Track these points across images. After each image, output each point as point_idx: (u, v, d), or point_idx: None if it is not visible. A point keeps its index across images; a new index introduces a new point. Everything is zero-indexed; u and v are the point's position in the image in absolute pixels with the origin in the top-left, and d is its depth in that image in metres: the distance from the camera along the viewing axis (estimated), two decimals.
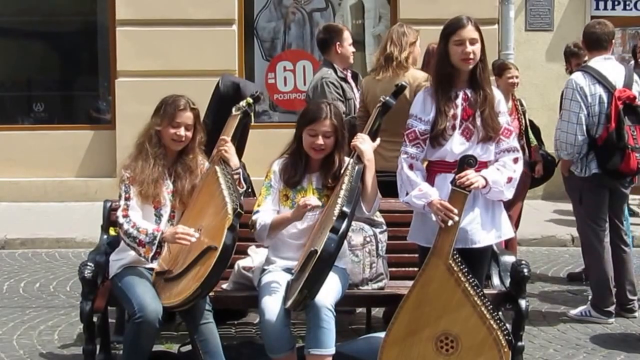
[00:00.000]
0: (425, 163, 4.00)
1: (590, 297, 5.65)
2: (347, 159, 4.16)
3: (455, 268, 3.77)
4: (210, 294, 3.99)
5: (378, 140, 4.19)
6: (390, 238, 4.52)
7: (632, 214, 7.97)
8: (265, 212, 4.07)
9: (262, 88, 10.21)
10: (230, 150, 4.17)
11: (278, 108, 10.46)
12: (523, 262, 4.23)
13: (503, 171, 3.91)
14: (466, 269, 3.78)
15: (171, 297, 3.89)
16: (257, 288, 4.10)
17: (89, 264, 4.17)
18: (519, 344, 4.12)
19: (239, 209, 3.87)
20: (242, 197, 4.08)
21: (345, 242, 4.19)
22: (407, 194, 3.92)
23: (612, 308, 5.49)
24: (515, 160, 3.97)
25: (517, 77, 6.39)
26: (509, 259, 4.38)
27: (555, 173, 6.39)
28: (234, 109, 4.34)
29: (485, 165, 3.91)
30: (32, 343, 5.06)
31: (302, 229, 4.05)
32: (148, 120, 4.24)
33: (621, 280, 5.57)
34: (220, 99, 5.19)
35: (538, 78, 10.26)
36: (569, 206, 5.90)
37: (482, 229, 3.94)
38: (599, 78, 5.34)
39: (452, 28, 3.93)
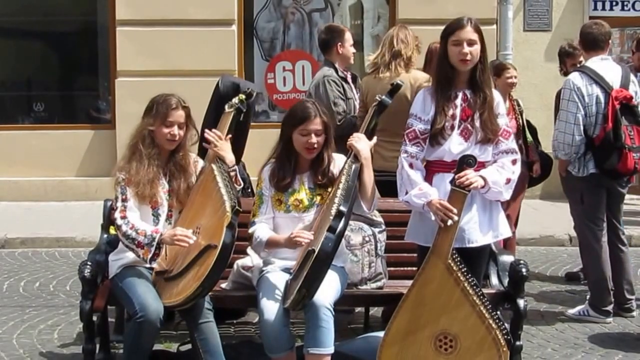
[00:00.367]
0: (424, 163, 4.01)
1: (588, 297, 5.66)
2: (341, 157, 4.17)
3: (454, 268, 3.78)
4: (210, 293, 3.99)
5: (375, 139, 4.20)
6: (389, 237, 4.53)
7: None
8: (262, 225, 4.08)
9: (262, 88, 10.24)
10: (223, 147, 4.16)
11: (277, 108, 10.48)
12: (521, 261, 4.24)
13: (502, 172, 3.92)
14: (465, 269, 3.79)
15: (172, 297, 3.89)
16: (256, 288, 4.10)
17: (88, 263, 4.18)
18: (518, 343, 4.13)
19: (237, 207, 3.87)
20: (239, 194, 4.08)
21: (344, 241, 4.21)
22: (406, 192, 3.93)
23: (610, 307, 5.50)
24: (514, 162, 3.98)
25: (515, 77, 6.40)
26: (507, 258, 4.40)
27: (552, 173, 6.41)
28: (226, 106, 4.34)
29: (482, 165, 3.92)
30: (32, 342, 5.06)
31: (300, 229, 4.03)
32: (144, 118, 4.23)
33: (619, 280, 5.58)
34: (220, 99, 5.20)
35: (537, 78, 10.28)
36: (567, 206, 5.91)
37: (479, 229, 3.95)
38: (596, 78, 5.36)
39: (451, 29, 3.95)
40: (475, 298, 3.78)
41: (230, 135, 4.27)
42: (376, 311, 5.36)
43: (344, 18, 10.54)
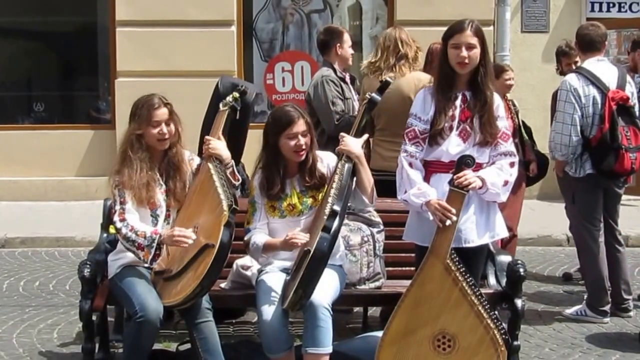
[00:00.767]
0: (422, 163, 4.03)
1: (585, 297, 5.68)
2: (329, 155, 4.19)
3: (452, 267, 3.79)
4: (209, 292, 4.00)
5: (365, 135, 4.21)
6: (387, 238, 4.55)
7: None
8: (257, 231, 4.08)
9: (261, 89, 10.25)
10: (216, 145, 4.14)
11: None
12: (519, 261, 4.25)
13: (500, 174, 3.94)
14: (463, 269, 3.80)
15: (171, 296, 3.90)
16: (255, 288, 4.11)
17: (88, 263, 4.18)
18: (515, 343, 4.13)
19: (234, 206, 3.88)
20: (237, 190, 4.09)
21: (341, 240, 4.23)
22: (405, 192, 3.94)
23: (607, 307, 5.52)
24: (512, 165, 3.99)
25: (512, 79, 6.44)
26: (505, 258, 4.40)
27: (549, 173, 6.42)
28: (221, 105, 4.33)
29: (480, 166, 3.94)
30: (31, 341, 5.07)
31: (295, 231, 4.03)
32: (130, 123, 4.23)
33: (616, 280, 5.59)
34: (219, 99, 5.20)
35: (534, 79, 10.30)
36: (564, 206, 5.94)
37: (476, 229, 3.96)
38: (592, 79, 5.37)
39: (451, 31, 3.97)
40: (473, 298, 3.79)
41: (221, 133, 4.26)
42: (375, 311, 5.37)
43: (342, 19, 10.57)
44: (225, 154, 4.15)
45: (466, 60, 3.91)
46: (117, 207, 4.07)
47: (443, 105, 3.94)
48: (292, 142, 4.05)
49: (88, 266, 4.15)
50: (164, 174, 4.17)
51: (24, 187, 10.09)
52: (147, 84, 9.29)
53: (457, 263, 3.80)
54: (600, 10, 10.82)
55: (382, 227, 4.55)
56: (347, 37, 5.74)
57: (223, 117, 4.28)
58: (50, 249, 7.93)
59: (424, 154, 3.99)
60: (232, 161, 4.18)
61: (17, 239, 8.11)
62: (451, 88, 3.98)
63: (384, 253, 4.53)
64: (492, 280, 4.42)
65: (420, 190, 3.89)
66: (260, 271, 4.17)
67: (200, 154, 4.40)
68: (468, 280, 3.80)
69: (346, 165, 3.97)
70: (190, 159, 4.26)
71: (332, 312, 3.85)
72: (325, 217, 3.77)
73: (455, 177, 3.80)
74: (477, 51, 3.93)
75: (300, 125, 4.06)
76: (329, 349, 3.83)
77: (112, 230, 4.48)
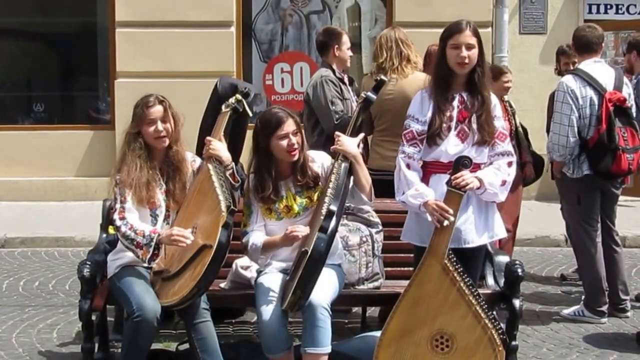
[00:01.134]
0: (420, 163, 4.04)
1: (583, 297, 5.70)
2: (321, 154, 4.20)
3: (450, 268, 3.80)
4: (208, 292, 4.01)
5: (362, 134, 4.22)
6: (386, 238, 4.56)
7: None
8: (255, 233, 4.08)
9: (260, 89, 10.27)
10: (217, 146, 4.14)
11: None
12: (517, 262, 4.25)
13: (498, 174, 3.96)
14: (461, 269, 3.81)
15: (168, 296, 3.91)
16: (254, 288, 4.12)
17: (87, 263, 4.19)
18: (513, 343, 4.14)
19: (232, 207, 3.88)
20: (237, 192, 4.09)
21: (339, 239, 4.24)
22: (403, 193, 3.96)
23: (604, 308, 5.53)
24: (509, 164, 4.01)
25: (511, 81, 6.47)
26: (503, 259, 4.42)
27: (545, 174, 6.44)
28: (223, 106, 4.33)
29: (478, 167, 3.96)
30: (31, 341, 5.08)
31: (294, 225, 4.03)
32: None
33: (613, 280, 5.61)
34: (218, 100, 5.20)
35: (532, 80, 10.32)
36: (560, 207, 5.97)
37: (475, 229, 3.98)
38: (589, 81, 5.39)
39: (450, 32, 3.98)
40: (471, 298, 3.80)
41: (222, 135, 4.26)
42: (373, 311, 5.38)
43: (341, 20, 10.59)
44: (226, 155, 4.15)
45: (466, 60, 3.93)
46: (117, 205, 4.08)
47: (441, 106, 3.96)
48: (284, 143, 4.05)
49: (87, 266, 4.16)
50: (164, 174, 4.18)
51: (23, 187, 10.10)
52: (146, 85, 9.30)
53: (454, 263, 3.81)
54: (598, 11, 10.85)
55: (380, 227, 4.56)
56: (345, 39, 5.75)
57: (225, 119, 4.27)
58: (50, 249, 7.95)
59: (422, 154, 4.00)
60: (233, 163, 4.18)
61: (17, 239, 8.13)
62: (449, 89, 3.99)
63: (383, 253, 4.55)
64: (490, 280, 4.43)
65: (417, 191, 3.90)
66: (259, 272, 4.18)
67: (199, 154, 4.40)
68: (466, 280, 3.81)
69: (342, 165, 3.98)
70: (193, 160, 4.26)
71: (331, 312, 3.86)
72: (322, 218, 3.77)
73: (452, 177, 3.82)
74: (476, 51, 3.96)
75: (290, 125, 4.06)
76: (327, 348, 3.84)
77: (111, 230, 4.49)
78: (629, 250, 7.57)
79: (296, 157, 4.09)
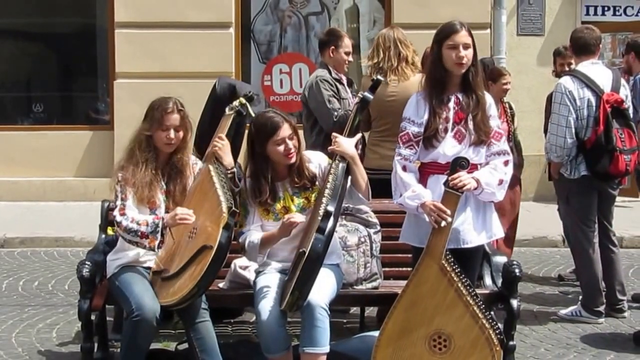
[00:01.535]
0: (418, 164, 4.04)
1: (580, 298, 5.71)
2: (317, 155, 4.21)
3: (448, 268, 3.81)
4: (207, 292, 4.02)
5: (359, 134, 4.23)
6: (384, 238, 4.57)
7: None
8: (251, 231, 4.09)
9: (258, 90, 10.28)
10: (224, 148, 4.17)
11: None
12: (514, 262, 4.27)
13: (494, 173, 3.97)
14: (459, 269, 3.82)
15: (168, 296, 3.92)
16: (253, 288, 4.12)
17: (87, 262, 4.20)
18: (511, 343, 4.16)
19: (233, 208, 3.89)
20: (237, 196, 4.09)
21: (337, 239, 4.24)
22: (400, 195, 3.97)
23: (602, 308, 5.54)
24: (506, 163, 4.02)
25: (509, 83, 6.51)
26: (500, 259, 4.42)
27: (544, 175, 6.46)
28: (227, 109, 4.35)
29: (476, 167, 3.97)
30: (30, 341, 5.09)
31: (293, 232, 4.04)
32: (142, 122, 4.26)
33: (610, 281, 5.63)
34: (216, 100, 5.22)
35: (530, 82, 10.34)
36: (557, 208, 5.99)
37: (473, 230, 3.99)
38: (587, 82, 5.40)
39: (446, 33, 3.99)
40: (469, 298, 3.81)
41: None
42: (372, 311, 5.38)
43: (340, 21, 10.61)
44: (228, 159, 4.17)
45: (464, 60, 3.94)
46: (118, 202, 4.09)
47: (437, 108, 3.96)
48: (281, 147, 4.05)
49: (87, 266, 4.17)
50: (165, 175, 4.19)
51: (23, 187, 10.12)
52: (145, 85, 9.38)
53: (452, 264, 3.82)
54: (595, 13, 10.88)
55: (379, 227, 4.57)
56: (346, 43, 5.71)
57: (228, 121, 4.30)
58: (49, 249, 7.96)
59: (420, 156, 4.00)
60: (235, 168, 4.19)
61: (17, 239, 8.14)
62: (444, 90, 4.00)
63: (381, 254, 4.56)
64: (488, 280, 4.44)
65: (414, 193, 3.91)
66: (258, 272, 4.19)
67: (196, 153, 4.42)
68: (463, 280, 3.82)
69: (340, 165, 3.98)
70: (194, 163, 4.28)
71: (329, 312, 3.87)
72: (320, 218, 3.78)
73: (450, 178, 3.83)
74: (471, 51, 3.97)
75: (285, 130, 4.05)
76: (326, 348, 3.85)
77: (110, 231, 4.51)
78: (626, 251, 7.59)
79: (293, 160, 4.10)
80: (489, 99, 4.09)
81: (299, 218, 3.92)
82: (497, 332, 3.84)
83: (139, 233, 3.98)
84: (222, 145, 4.17)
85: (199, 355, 3.99)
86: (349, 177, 4.04)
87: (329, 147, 4.07)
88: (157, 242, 3.97)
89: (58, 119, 10.93)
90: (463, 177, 3.83)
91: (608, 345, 5.07)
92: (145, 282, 4.02)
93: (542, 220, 8.77)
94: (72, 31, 11.26)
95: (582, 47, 5.58)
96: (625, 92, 5.56)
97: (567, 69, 6.26)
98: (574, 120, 5.40)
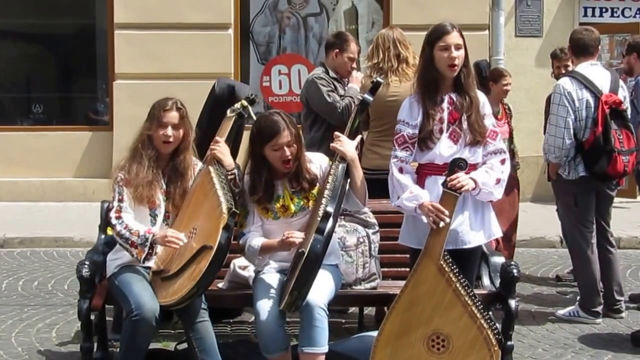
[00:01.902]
0: (416, 165, 4.05)
1: (578, 298, 5.73)
2: (319, 156, 4.21)
3: (446, 269, 3.81)
4: (206, 292, 4.02)
5: (359, 137, 4.24)
6: (382, 239, 4.58)
7: None
8: (252, 234, 4.08)
9: (257, 91, 10.29)
10: (223, 150, 4.17)
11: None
12: (512, 263, 4.28)
13: (491, 173, 3.97)
14: (457, 270, 3.83)
15: (167, 296, 3.93)
16: (252, 288, 4.13)
17: (86, 262, 4.21)
18: (509, 343, 4.16)
19: (233, 209, 3.90)
20: (237, 197, 4.09)
21: (336, 239, 4.25)
22: (398, 198, 3.96)
23: (599, 308, 5.56)
24: (502, 162, 4.03)
25: (510, 84, 6.53)
26: (498, 259, 4.43)
27: (542, 175, 6.47)
28: (228, 111, 4.34)
29: (474, 167, 3.98)
30: (30, 340, 5.10)
31: (291, 231, 4.02)
32: (144, 122, 4.27)
33: (608, 282, 5.64)
34: (215, 101, 5.23)
35: (528, 83, 10.35)
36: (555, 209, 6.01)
37: (471, 230, 3.99)
38: (585, 83, 5.41)
39: (437, 34, 3.99)
40: (467, 299, 3.82)
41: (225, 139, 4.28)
42: (370, 311, 5.39)
43: (338, 23, 10.63)
44: (229, 160, 4.16)
45: (457, 61, 3.94)
46: (115, 203, 4.11)
47: (431, 110, 3.96)
48: (277, 154, 4.04)
49: (86, 266, 4.18)
50: (165, 176, 4.20)
51: (22, 187, 10.13)
52: (144, 86, 9.40)
53: (450, 264, 3.83)
54: (593, 15, 10.90)
55: (377, 228, 4.58)
56: (352, 49, 5.67)
57: (229, 124, 4.30)
58: (49, 249, 7.97)
59: (417, 157, 4.01)
60: (235, 170, 4.16)
61: (16, 239, 8.15)
62: (437, 91, 4.00)
63: (380, 254, 4.57)
64: (486, 281, 4.45)
65: (412, 194, 3.91)
66: (257, 272, 4.19)
67: (194, 153, 4.41)
68: (461, 281, 3.83)
69: (340, 166, 3.98)
70: (195, 164, 4.28)
71: (328, 312, 3.87)
72: (319, 219, 3.78)
73: (448, 179, 3.84)
74: (463, 51, 3.97)
75: (284, 137, 4.02)
76: (324, 348, 3.85)
77: (109, 232, 4.51)
78: (624, 252, 7.59)
79: (289, 168, 4.08)
80: (482, 98, 4.09)
81: (298, 239, 3.89)
82: (495, 332, 3.85)
83: (130, 242, 4.00)
84: (220, 147, 4.17)
85: (198, 355, 4.00)
86: (348, 180, 4.03)
87: (331, 145, 4.05)
88: (144, 255, 3.99)
89: (57, 120, 10.95)
90: (461, 178, 3.83)
91: (605, 346, 5.08)
92: (144, 282, 4.03)
93: (540, 221, 8.78)
94: (71, 32, 11.27)
95: (581, 48, 5.59)
96: (623, 94, 5.57)
97: (563, 71, 6.27)
98: (573, 121, 5.41)
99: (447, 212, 3.81)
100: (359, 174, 4.06)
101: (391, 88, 5.24)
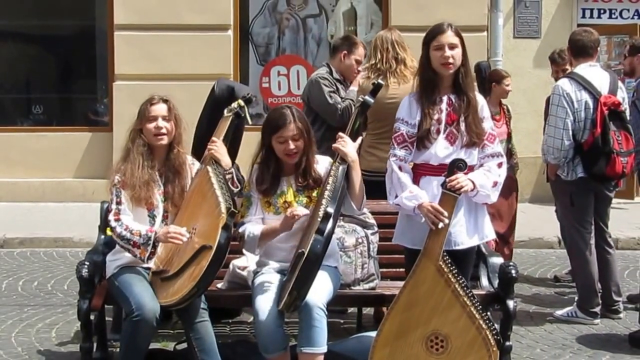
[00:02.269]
0: (411, 165, 4.05)
1: (576, 298, 5.74)
2: (326, 159, 4.22)
3: (445, 269, 3.82)
4: (205, 292, 4.03)
5: (359, 139, 4.25)
6: (381, 239, 4.59)
7: None
8: (252, 222, 4.10)
9: (257, 92, 10.29)
10: (220, 150, 4.17)
11: None
12: (511, 263, 4.29)
13: (489, 176, 3.98)
14: (456, 270, 3.83)
15: (167, 296, 3.94)
16: (251, 288, 4.14)
17: (86, 263, 4.22)
18: (507, 343, 4.16)
19: (232, 208, 3.90)
20: (236, 197, 4.08)
21: (335, 241, 4.25)
22: (396, 196, 3.98)
23: (597, 309, 5.57)
24: (500, 165, 4.04)
25: (510, 84, 6.56)
26: (497, 260, 4.44)
27: (540, 176, 6.48)
28: (225, 111, 4.35)
29: (471, 169, 3.98)
30: (30, 340, 5.11)
31: (291, 232, 4.05)
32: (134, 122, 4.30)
33: (606, 282, 5.65)
34: (215, 101, 5.24)
35: (526, 84, 10.37)
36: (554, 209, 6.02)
37: (465, 231, 4.00)
38: (584, 84, 5.42)
39: (432, 34, 4.01)
40: (465, 299, 3.82)
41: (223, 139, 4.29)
42: (369, 311, 5.40)
43: (337, 24, 10.64)
44: (226, 160, 4.17)
45: (450, 60, 3.95)
46: (113, 206, 4.11)
47: (428, 109, 3.98)
48: (282, 146, 4.09)
49: (86, 266, 4.18)
50: (162, 175, 4.21)
51: (22, 188, 10.13)
52: (144, 87, 9.35)
53: (449, 265, 3.83)
54: (591, 16, 10.91)
55: (376, 228, 4.59)
56: (359, 52, 5.69)
57: (226, 123, 4.30)
58: (49, 250, 7.98)
59: (413, 157, 4.02)
60: (232, 169, 4.19)
61: (16, 240, 8.16)
62: (434, 91, 4.01)
63: (378, 254, 4.58)
64: (484, 281, 4.46)
65: (412, 193, 3.92)
66: (256, 272, 4.20)
67: (194, 155, 4.43)
68: (460, 281, 3.83)
69: (340, 167, 3.98)
70: (192, 163, 4.29)
71: (326, 313, 3.88)
72: (319, 220, 3.79)
73: (447, 180, 3.84)
74: (459, 51, 3.98)
75: (290, 130, 4.06)
76: (323, 348, 3.86)
77: (109, 232, 4.52)
78: (622, 252, 7.60)
79: (293, 161, 4.12)
80: (481, 100, 4.10)
81: (301, 211, 3.93)
82: (493, 332, 3.85)
83: (131, 242, 4.01)
84: (217, 147, 4.18)
85: (198, 355, 4.00)
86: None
87: (333, 145, 4.06)
88: (147, 254, 4.00)
89: (57, 121, 10.95)
90: (461, 179, 3.84)
91: (603, 346, 5.09)
92: (144, 282, 4.04)
93: (538, 221, 8.80)
94: (71, 33, 11.28)
95: (580, 49, 5.60)
96: (622, 95, 5.57)
97: (561, 75, 6.28)
98: (571, 123, 5.41)
99: (446, 213, 3.82)
100: (358, 177, 4.06)
101: (390, 90, 5.25)
